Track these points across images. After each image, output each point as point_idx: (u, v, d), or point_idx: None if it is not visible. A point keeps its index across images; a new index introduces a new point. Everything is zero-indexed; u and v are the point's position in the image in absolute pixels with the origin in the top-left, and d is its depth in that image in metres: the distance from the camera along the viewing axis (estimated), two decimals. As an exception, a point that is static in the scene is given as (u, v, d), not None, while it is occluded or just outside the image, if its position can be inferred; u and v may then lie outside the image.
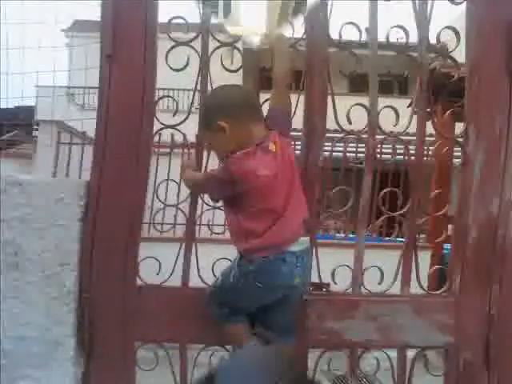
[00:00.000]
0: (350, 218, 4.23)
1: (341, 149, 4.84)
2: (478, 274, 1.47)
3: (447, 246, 3.40)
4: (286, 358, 1.37)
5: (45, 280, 1.37)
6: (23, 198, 1.37)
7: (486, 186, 1.46)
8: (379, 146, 4.11)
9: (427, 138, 1.51)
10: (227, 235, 1.45)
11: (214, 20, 1.48)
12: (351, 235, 4.22)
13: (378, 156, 4.42)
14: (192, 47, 1.44)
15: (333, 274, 1.48)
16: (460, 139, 1.51)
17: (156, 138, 1.51)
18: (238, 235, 1.27)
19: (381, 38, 1.46)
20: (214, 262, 1.46)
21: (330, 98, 1.46)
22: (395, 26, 1.48)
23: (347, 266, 1.48)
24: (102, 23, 1.41)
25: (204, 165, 1.48)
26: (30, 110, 8.18)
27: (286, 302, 1.29)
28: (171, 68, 1.47)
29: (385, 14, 1.60)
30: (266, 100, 1.42)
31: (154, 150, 1.48)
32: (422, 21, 1.46)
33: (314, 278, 1.44)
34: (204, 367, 1.46)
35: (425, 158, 1.56)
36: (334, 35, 1.46)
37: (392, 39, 1.53)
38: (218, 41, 1.44)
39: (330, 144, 1.90)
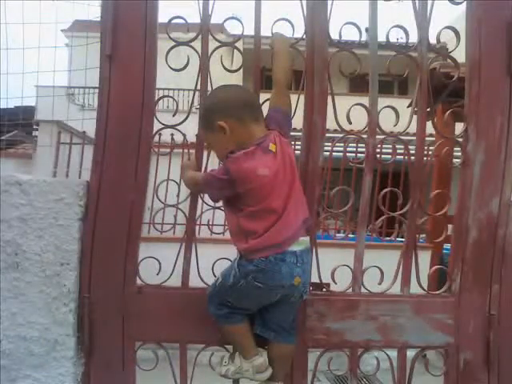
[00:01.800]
0: (349, 217, 4.27)
1: (341, 149, 4.84)
2: (478, 274, 1.47)
3: (447, 246, 3.40)
4: (286, 357, 1.38)
5: (45, 280, 1.37)
6: (23, 198, 1.37)
7: (486, 186, 1.46)
8: (379, 145, 4.12)
9: (427, 138, 1.51)
10: (227, 235, 1.45)
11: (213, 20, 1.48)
12: (351, 235, 4.22)
13: (378, 156, 4.43)
14: (192, 47, 1.44)
15: (333, 274, 1.48)
16: (460, 139, 1.51)
17: (156, 138, 1.51)
18: (238, 235, 1.27)
19: (381, 38, 1.46)
20: (213, 262, 1.47)
21: (330, 98, 1.46)
22: (395, 26, 1.48)
23: (347, 266, 1.48)
24: (101, 23, 1.41)
25: (204, 165, 1.48)
26: (30, 110, 8.17)
27: (286, 301, 1.29)
28: (171, 68, 1.47)
29: (385, 13, 1.60)
30: (266, 100, 1.42)
31: (154, 149, 1.48)
32: (422, 21, 1.46)
33: (314, 278, 1.44)
34: (204, 367, 1.46)
35: (425, 158, 1.56)
36: (334, 35, 1.46)
37: (392, 39, 1.53)
38: (218, 41, 1.44)
39: (329, 144, 1.90)
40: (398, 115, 1.51)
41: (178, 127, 1.47)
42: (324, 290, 1.49)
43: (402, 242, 1.59)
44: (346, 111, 1.45)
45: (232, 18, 1.60)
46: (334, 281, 1.47)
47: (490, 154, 1.46)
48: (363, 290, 1.49)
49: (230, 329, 1.34)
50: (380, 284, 1.51)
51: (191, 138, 2.19)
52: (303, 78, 1.46)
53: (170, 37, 1.43)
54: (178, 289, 1.45)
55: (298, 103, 1.47)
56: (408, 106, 1.65)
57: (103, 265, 1.41)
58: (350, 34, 1.53)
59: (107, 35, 1.39)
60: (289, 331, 1.35)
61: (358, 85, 10.52)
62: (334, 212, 1.63)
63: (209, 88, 1.45)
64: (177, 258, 1.47)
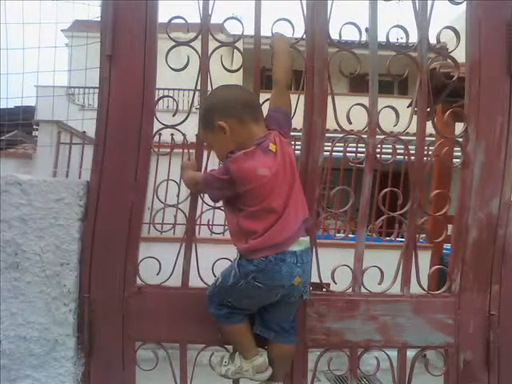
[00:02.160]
0: (349, 217, 4.27)
1: (341, 149, 4.84)
2: (478, 274, 1.47)
3: (447, 246, 3.40)
4: (286, 358, 1.38)
5: (45, 280, 1.37)
6: (23, 198, 1.37)
7: (486, 186, 1.46)
8: (379, 145, 4.12)
9: (427, 138, 1.51)
10: (227, 235, 1.45)
11: (213, 20, 1.48)
12: (351, 235, 4.22)
13: (378, 156, 4.42)
14: (192, 47, 1.44)
15: (333, 274, 1.48)
16: (460, 139, 1.51)
17: (156, 138, 1.51)
18: (238, 235, 1.27)
19: (381, 38, 1.46)
20: (214, 262, 1.47)
21: (330, 98, 1.46)
22: (395, 26, 1.48)
23: (347, 266, 1.48)
24: (101, 23, 1.41)
25: (204, 165, 1.48)
26: (30, 110, 8.18)
27: (286, 301, 1.29)
28: (171, 68, 1.47)
29: (385, 13, 1.60)
30: (266, 100, 1.42)
31: (154, 149, 1.48)
32: (422, 21, 1.46)
33: (314, 278, 1.44)
34: (204, 367, 1.46)
35: (425, 158, 1.56)
36: (334, 35, 1.46)
37: (392, 39, 1.53)
38: (218, 41, 1.44)
39: (329, 144, 1.90)
40: (397, 115, 1.50)
41: (178, 127, 1.47)
42: (324, 289, 1.49)
43: (402, 242, 1.59)
44: (346, 111, 1.45)
45: (232, 18, 1.60)
46: (333, 281, 1.47)
47: (490, 154, 1.46)
48: (363, 289, 1.48)
49: (229, 329, 1.34)
50: (380, 284, 1.51)
51: (191, 138, 2.20)
52: (303, 77, 1.46)
53: (169, 37, 1.43)
54: (178, 289, 1.45)
55: (298, 103, 1.47)
56: (408, 106, 1.66)
57: (103, 265, 1.41)
58: (350, 34, 1.53)
59: (107, 35, 1.39)
60: (289, 331, 1.35)
61: (358, 85, 10.53)
62: (334, 212, 1.63)
63: (209, 88, 1.45)
64: (177, 258, 1.47)
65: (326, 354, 1.49)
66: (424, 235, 4.29)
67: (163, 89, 6.06)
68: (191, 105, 1.57)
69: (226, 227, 1.41)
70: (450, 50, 1.52)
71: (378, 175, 4.61)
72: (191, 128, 1.60)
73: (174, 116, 1.48)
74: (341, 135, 1.56)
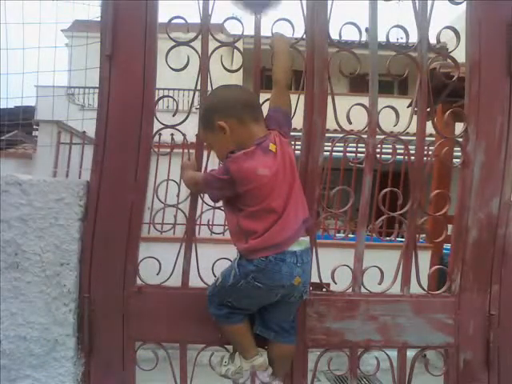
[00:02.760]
0: (349, 217, 4.27)
1: (341, 149, 4.84)
2: (478, 274, 1.47)
3: (447, 246, 3.41)
4: (286, 358, 1.38)
5: (45, 280, 1.37)
6: (23, 198, 1.37)
7: (486, 186, 1.46)
8: (379, 145, 4.12)
9: (427, 138, 1.51)
10: (227, 235, 1.45)
11: (213, 20, 1.48)
12: (351, 235, 4.22)
13: (378, 156, 4.42)
14: (192, 47, 1.44)
15: (333, 274, 1.48)
16: (460, 139, 1.51)
17: (156, 138, 1.51)
18: (238, 235, 1.27)
19: (381, 38, 1.46)
20: (214, 262, 1.47)
21: (330, 98, 1.46)
22: (395, 26, 1.48)
23: (347, 266, 1.48)
24: (101, 23, 1.41)
25: (204, 165, 1.48)
26: (30, 110, 8.19)
27: (286, 301, 1.29)
28: (171, 68, 1.47)
29: (385, 13, 1.60)
30: (266, 100, 1.42)
31: (154, 149, 1.48)
32: (422, 21, 1.46)
33: (314, 278, 1.44)
34: (204, 367, 1.46)
35: (425, 158, 1.56)
36: (334, 35, 1.46)
37: (392, 39, 1.53)
38: (218, 41, 1.44)
39: (329, 144, 1.90)
40: (397, 115, 1.51)
41: (178, 127, 1.47)
42: (324, 289, 1.49)
43: (402, 242, 1.59)
44: (346, 111, 1.45)
45: (232, 18, 1.60)
46: (333, 281, 1.47)
47: (490, 154, 1.46)
48: (363, 289, 1.49)
49: (230, 329, 1.34)
50: (380, 284, 1.51)
51: (191, 138, 2.20)
52: (303, 77, 1.46)
53: (170, 37, 1.43)
54: (178, 289, 1.45)
55: (298, 103, 1.47)
56: (408, 106, 1.65)
57: (103, 265, 1.41)
58: (350, 34, 1.53)
59: (107, 35, 1.39)
60: (289, 331, 1.35)
61: (358, 85, 10.53)
62: (334, 212, 1.63)
63: (209, 88, 1.45)
64: (177, 258, 1.47)
65: (326, 353, 1.50)
66: (424, 235, 4.29)
67: (163, 89, 6.07)
68: (191, 105, 1.58)
69: (226, 227, 1.41)
70: (450, 50, 1.52)
71: (378, 175, 4.61)
72: (191, 128, 1.60)
73: (173, 116, 1.48)
74: (341, 135, 1.56)
